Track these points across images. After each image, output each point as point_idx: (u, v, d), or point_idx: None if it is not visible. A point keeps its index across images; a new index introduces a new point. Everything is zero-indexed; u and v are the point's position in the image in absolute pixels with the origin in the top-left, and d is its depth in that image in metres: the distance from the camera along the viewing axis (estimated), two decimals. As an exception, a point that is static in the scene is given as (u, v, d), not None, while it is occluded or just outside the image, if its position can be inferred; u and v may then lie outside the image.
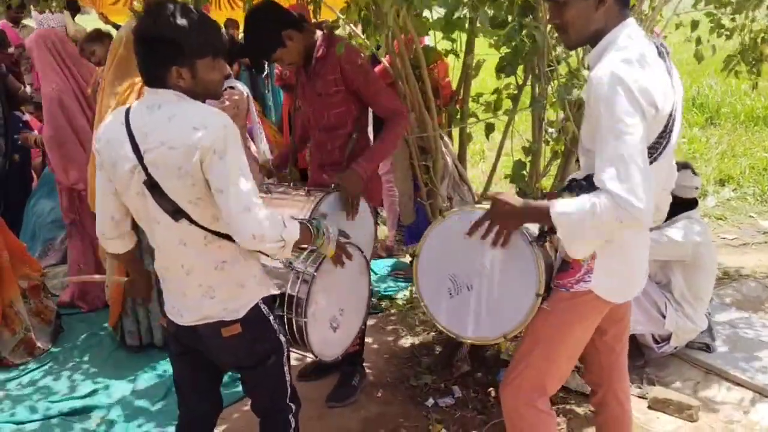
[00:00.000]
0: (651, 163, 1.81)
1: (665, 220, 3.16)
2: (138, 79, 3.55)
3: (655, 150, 1.84)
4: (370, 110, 3.02)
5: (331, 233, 2.12)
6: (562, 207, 1.81)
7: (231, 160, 1.77)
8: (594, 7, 1.84)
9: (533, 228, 2.10)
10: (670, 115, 1.84)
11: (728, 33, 3.58)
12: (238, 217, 1.77)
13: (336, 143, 2.93)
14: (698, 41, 3.32)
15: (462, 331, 2.21)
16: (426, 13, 2.87)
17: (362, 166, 2.73)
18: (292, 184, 2.95)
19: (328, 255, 2.17)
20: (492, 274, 2.10)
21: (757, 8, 3.34)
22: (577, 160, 2.15)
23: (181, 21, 1.78)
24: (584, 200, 1.76)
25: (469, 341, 2.27)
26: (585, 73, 2.52)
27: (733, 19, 3.53)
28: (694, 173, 3.26)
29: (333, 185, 2.75)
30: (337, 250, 2.18)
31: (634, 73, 1.73)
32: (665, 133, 1.85)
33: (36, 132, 5.39)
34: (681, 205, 3.14)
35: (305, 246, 2.15)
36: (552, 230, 2.03)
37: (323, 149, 2.99)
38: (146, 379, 3.42)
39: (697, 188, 3.26)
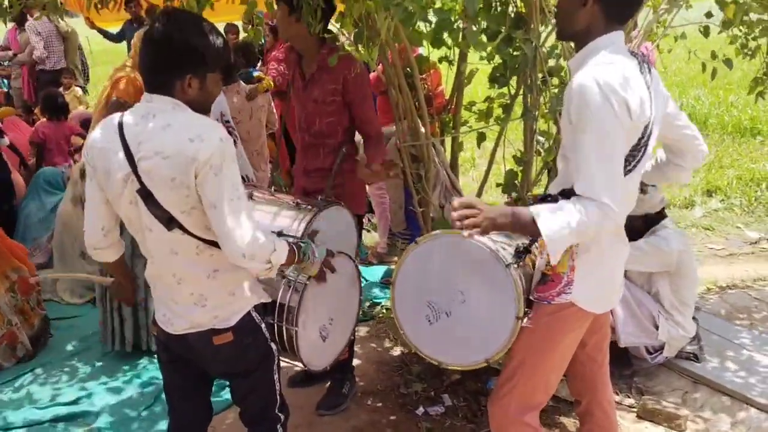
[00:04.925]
0: (627, 173, 1.85)
1: (644, 235, 3.21)
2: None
3: (631, 160, 1.87)
4: None
5: (317, 257, 2.09)
6: (551, 224, 1.78)
7: (226, 176, 1.76)
8: (578, 6, 1.86)
9: (509, 248, 2.10)
10: (647, 127, 1.86)
11: (751, 53, 3.52)
12: (231, 234, 1.76)
13: (325, 150, 2.92)
14: (713, 56, 3.28)
15: (443, 357, 2.21)
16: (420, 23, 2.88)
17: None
18: (273, 189, 2.92)
19: (311, 275, 2.15)
20: (470, 300, 2.10)
21: None
22: None
23: (207, 32, 1.80)
24: (571, 212, 1.77)
25: (451, 368, 2.26)
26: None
27: (754, 39, 3.45)
28: (654, 187, 3.27)
29: (320, 197, 2.65)
30: (321, 267, 2.15)
31: (614, 82, 1.76)
32: (640, 145, 1.87)
33: (6, 139, 5.31)
34: (653, 218, 3.22)
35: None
36: (528, 249, 2.07)
37: (310, 154, 2.97)
38: (134, 386, 3.39)
39: (662, 200, 3.29)
